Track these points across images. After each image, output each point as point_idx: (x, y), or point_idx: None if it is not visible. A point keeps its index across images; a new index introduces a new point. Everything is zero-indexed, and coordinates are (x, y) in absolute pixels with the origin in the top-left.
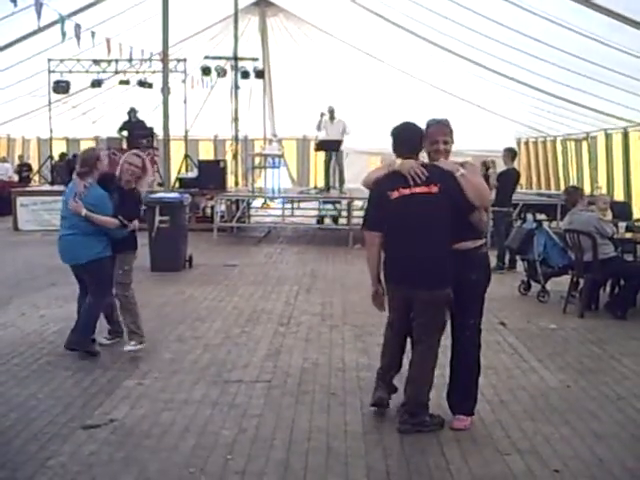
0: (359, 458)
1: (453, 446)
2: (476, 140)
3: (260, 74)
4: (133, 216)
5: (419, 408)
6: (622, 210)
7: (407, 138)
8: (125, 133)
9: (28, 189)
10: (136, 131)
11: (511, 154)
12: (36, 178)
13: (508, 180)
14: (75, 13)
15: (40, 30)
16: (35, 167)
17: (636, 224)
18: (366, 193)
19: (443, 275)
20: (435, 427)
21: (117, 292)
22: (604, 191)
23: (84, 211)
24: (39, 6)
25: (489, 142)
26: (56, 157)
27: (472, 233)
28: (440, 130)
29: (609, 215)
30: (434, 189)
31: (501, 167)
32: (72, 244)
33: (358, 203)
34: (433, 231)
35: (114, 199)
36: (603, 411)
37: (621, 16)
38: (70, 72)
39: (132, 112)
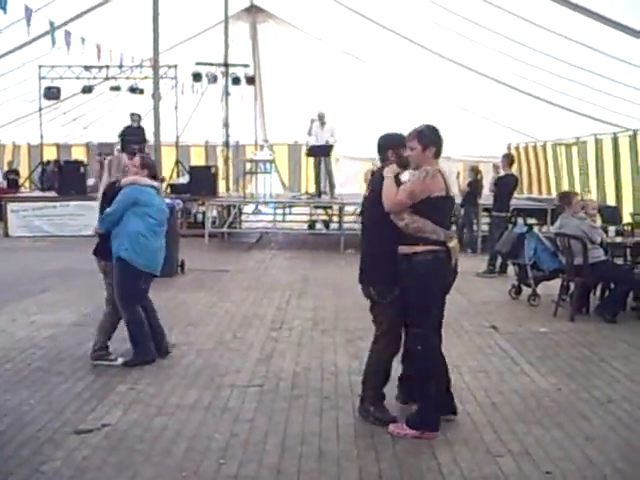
0: (352, 461)
1: (445, 448)
2: (467, 146)
3: (251, 80)
4: None
5: (365, 396)
6: (612, 214)
7: (378, 144)
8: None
9: (19, 195)
10: (127, 136)
11: (508, 160)
12: (27, 184)
13: (506, 186)
14: (66, 23)
15: (33, 40)
16: (24, 173)
17: (626, 228)
18: (357, 198)
19: (370, 271)
20: (374, 421)
21: None
22: (594, 196)
23: None
24: (29, 13)
25: (480, 148)
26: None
27: (406, 237)
28: (408, 136)
29: (598, 220)
30: (367, 192)
31: (487, 173)
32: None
33: (349, 209)
34: (368, 230)
35: None
36: (594, 413)
37: (612, 21)
38: (61, 78)
39: (134, 117)
